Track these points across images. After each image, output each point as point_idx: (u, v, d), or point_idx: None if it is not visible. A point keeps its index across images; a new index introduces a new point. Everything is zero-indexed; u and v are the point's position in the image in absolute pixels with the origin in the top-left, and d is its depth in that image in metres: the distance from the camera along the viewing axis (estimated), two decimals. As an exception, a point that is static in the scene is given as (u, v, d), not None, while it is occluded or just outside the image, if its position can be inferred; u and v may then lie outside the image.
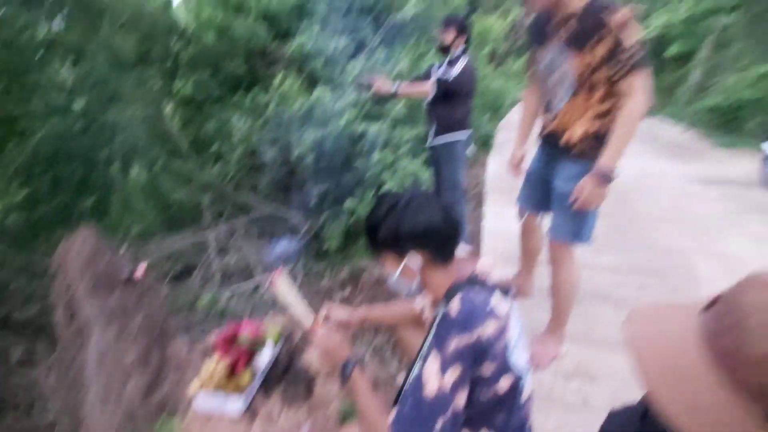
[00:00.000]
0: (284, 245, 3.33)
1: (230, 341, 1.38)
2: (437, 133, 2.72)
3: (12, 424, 2.18)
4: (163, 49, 4.93)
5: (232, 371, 1.32)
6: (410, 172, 3.56)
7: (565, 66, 1.55)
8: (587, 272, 2.21)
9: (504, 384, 1.00)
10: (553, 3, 1.50)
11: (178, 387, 1.35)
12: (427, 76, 2.69)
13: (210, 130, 4.31)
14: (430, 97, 2.59)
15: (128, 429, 1.21)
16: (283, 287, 1.24)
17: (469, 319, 0.97)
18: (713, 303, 0.51)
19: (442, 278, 1.09)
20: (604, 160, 1.47)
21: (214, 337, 1.39)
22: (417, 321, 1.49)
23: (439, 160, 2.79)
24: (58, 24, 3.87)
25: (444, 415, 0.95)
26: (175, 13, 5.27)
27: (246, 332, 1.40)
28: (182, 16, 5.30)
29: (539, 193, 1.87)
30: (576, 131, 1.61)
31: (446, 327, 0.98)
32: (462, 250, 2.46)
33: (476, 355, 0.97)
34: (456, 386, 0.96)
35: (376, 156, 3.73)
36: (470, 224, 3.23)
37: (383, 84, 2.57)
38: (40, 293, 2.85)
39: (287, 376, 1.45)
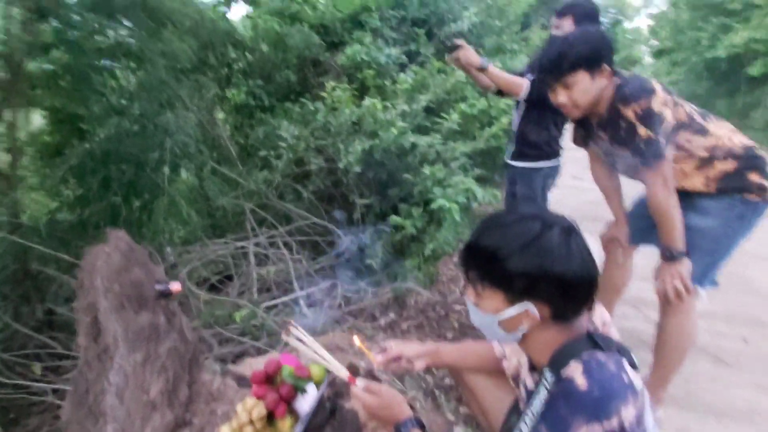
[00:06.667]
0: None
1: (269, 379, 1.17)
2: (516, 153, 2.28)
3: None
4: (220, 58, 5.02)
5: (271, 416, 1.11)
6: (463, 188, 3.30)
7: (621, 155, 1.54)
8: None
9: None
10: (587, 111, 1.50)
11: (208, 425, 1.15)
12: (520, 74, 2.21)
13: (259, 137, 4.28)
14: (521, 95, 2.09)
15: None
16: (301, 341, 1.06)
17: (605, 399, 0.69)
18: None
19: (553, 336, 0.82)
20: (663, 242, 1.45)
21: (250, 372, 1.18)
22: (492, 366, 1.23)
23: (515, 183, 2.36)
24: (122, 30, 3.99)
25: None
26: (232, 23, 5.38)
27: (290, 367, 1.19)
28: (239, 26, 5.40)
29: (647, 223, 1.58)
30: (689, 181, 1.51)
31: (571, 407, 0.70)
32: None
33: None
34: None
35: (426, 170, 3.52)
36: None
37: (471, 54, 2.00)
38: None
39: (332, 424, 1.22)
